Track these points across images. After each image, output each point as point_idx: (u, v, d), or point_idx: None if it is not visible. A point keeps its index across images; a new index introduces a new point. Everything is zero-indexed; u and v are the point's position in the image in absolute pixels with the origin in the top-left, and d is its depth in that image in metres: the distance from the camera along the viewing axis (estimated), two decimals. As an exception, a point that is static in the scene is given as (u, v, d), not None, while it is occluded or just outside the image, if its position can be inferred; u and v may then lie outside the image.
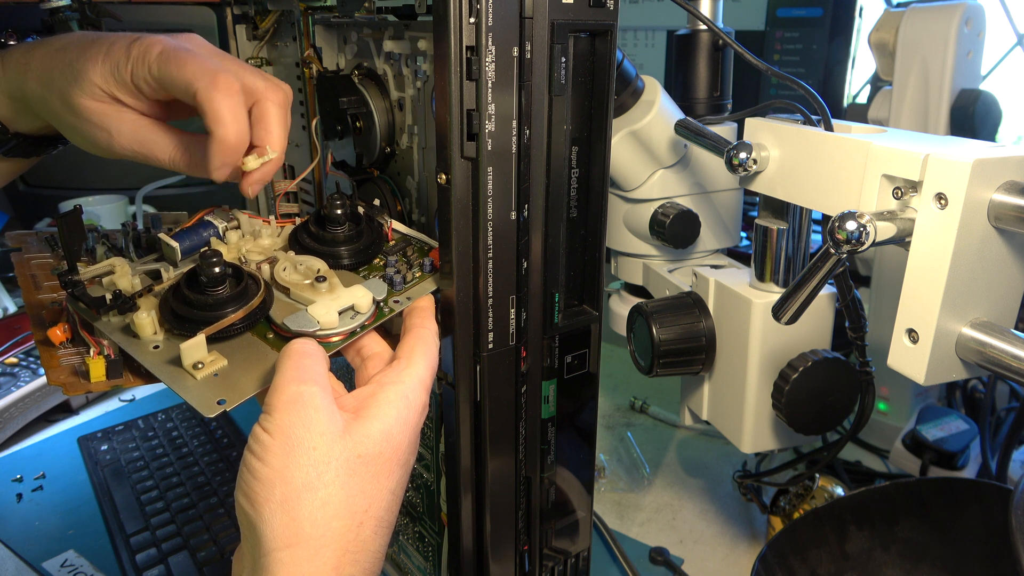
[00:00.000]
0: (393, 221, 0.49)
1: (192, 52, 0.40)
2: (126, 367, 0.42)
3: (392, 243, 0.48)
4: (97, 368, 0.40)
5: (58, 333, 0.43)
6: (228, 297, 0.40)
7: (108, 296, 0.42)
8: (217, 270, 0.40)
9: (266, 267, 0.45)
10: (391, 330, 0.46)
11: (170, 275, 0.46)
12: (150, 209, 1.22)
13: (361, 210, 0.48)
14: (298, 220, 0.50)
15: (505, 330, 0.42)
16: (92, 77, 0.40)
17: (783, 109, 0.48)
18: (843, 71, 1.02)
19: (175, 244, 0.47)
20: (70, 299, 0.43)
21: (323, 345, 0.40)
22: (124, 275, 0.44)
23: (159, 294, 0.44)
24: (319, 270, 0.43)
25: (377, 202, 0.53)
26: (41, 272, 0.51)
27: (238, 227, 0.49)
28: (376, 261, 0.46)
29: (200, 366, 0.38)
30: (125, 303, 0.41)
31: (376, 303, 0.42)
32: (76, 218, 0.43)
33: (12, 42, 0.50)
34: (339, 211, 0.45)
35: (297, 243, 0.46)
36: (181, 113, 0.45)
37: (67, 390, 0.40)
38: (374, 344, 0.43)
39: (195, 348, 0.38)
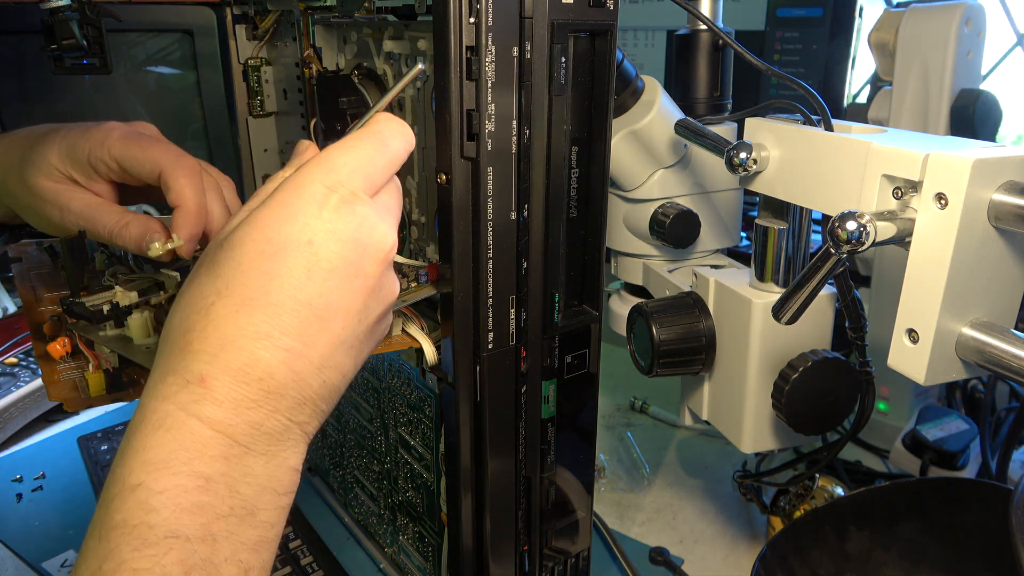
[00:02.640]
0: None
1: (152, 137, 0.45)
2: (126, 380, 0.42)
3: None
4: (97, 382, 0.40)
5: (58, 348, 0.43)
6: None
7: (105, 309, 0.42)
8: None
9: None
10: (387, 330, 0.46)
11: (168, 291, 0.46)
12: (151, 210, 1.22)
13: None
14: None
15: (505, 330, 0.42)
16: (49, 158, 0.44)
17: (783, 109, 0.48)
18: (843, 71, 1.02)
19: (176, 275, 0.47)
20: (68, 315, 0.43)
21: None
22: (125, 297, 0.44)
23: (156, 306, 0.44)
24: None
25: None
26: (41, 284, 0.52)
27: None
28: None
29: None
30: (121, 315, 0.42)
31: None
32: (80, 243, 0.44)
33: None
34: None
35: None
36: (130, 199, 0.49)
37: (68, 406, 0.40)
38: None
39: None
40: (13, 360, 0.92)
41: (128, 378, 0.42)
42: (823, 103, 0.44)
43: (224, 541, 0.28)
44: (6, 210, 0.48)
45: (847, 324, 0.50)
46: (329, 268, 0.31)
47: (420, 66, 0.36)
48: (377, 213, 0.33)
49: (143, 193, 0.49)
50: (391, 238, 0.33)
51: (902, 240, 0.37)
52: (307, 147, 0.36)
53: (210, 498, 0.28)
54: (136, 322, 0.41)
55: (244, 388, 0.29)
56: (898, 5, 0.71)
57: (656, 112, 0.56)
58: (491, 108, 0.38)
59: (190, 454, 0.28)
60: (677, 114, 0.57)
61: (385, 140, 0.34)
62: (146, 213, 0.51)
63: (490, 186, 0.39)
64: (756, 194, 0.50)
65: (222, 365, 0.29)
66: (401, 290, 0.44)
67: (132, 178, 0.45)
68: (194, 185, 0.44)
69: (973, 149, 0.35)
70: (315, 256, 0.31)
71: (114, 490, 0.27)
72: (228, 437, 0.29)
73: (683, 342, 0.54)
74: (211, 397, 0.28)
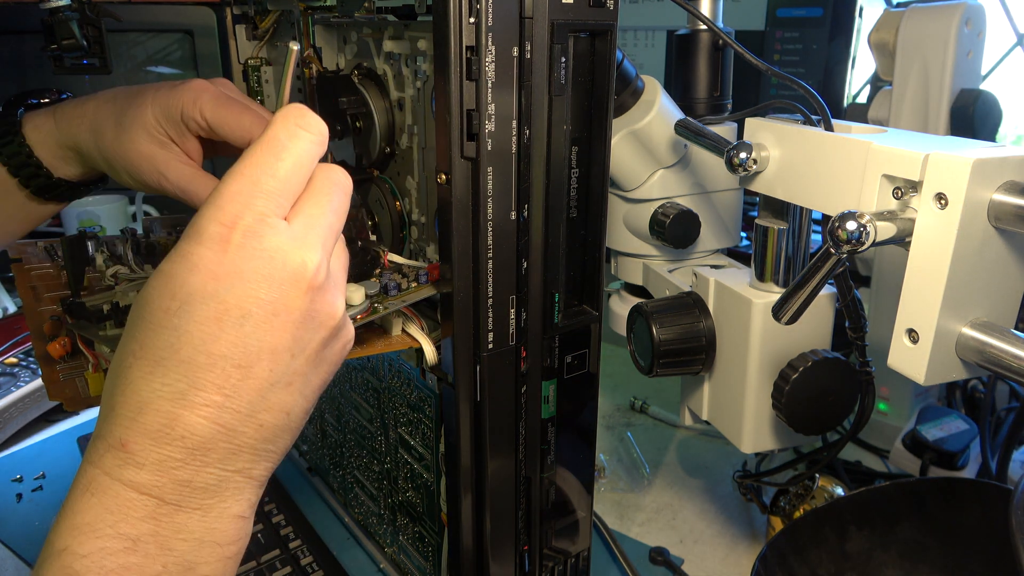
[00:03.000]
0: (389, 252, 0.49)
1: (239, 101, 0.46)
2: None
3: (388, 268, 0.48)
4: (96, 382, 0.40)
5: (58, 347, 0.43)
6: None
7: (105, 308, 0.42)
8: None
9: None
10: (388, 329, 0.46)
11: None
12: (151, 210, 1.22)
13: (359, 243, 0.48)
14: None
15: (505, 330, 0.42)
16: (146, 118, 0.45)
17: (783, 109, 0.48)
18: (843, 71, 1.02)
19: None
20: (68, 315, 0.43)
21: None
22: (125, 297, 0.44)
23: None
24: None
25: (374, 237, 0.54)
26: (41, 284, 0.52)
27: None
28: (372, 280, 0.46)
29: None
30: (121, 315, 0.42)
31: (368, 297, 0.43)
32: (81, 243, 0.45)
33: (65, 96, 0.55)
34: None
35: None
36: (213, 151, 0.50)
37: (68, 405, 0.40)
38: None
39: None
40: (13, 360, 0.92)
41: None
42: (823, 103, 0.44)
43: None
44: (86, 169, 0.49)
45: (847, 324, 0.50)
46: (240, 315, 0.29)
47: (295, 46, 0.35)
48: (292, 236, 0.30)
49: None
50: (312, 261, 0.30)
51: (902, 240, 0.37)
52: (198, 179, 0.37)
53: (138, 559, 0.27)
54: None
55: (166, 449, 0.28)
56: (898, 5, 0.71)
57: (656, 112, 0.56)
58: (491, 108, 0.38)
59: (115, 517, 0.27)
60: (677, 114, 0.57)
61: (281, 143, 0.31)
62: (147, 214, 0.52)
63: (490, 186, 0.39)
64: (756, 194, 0.50)
65: (140, 429, 0.28)
66: (401, 290, 0.44)
67: (221, 138, 0.46)
68: None
69: (973, 149, 0.35)
70: (223, 305, 0.29)
71: (43, 554, 0.27)
72: (155, 498, 0.28)
73: (683, 342, 0.54)
74: (133, 461, 0.28)
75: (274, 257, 0.29)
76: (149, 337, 0.29)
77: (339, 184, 0.33)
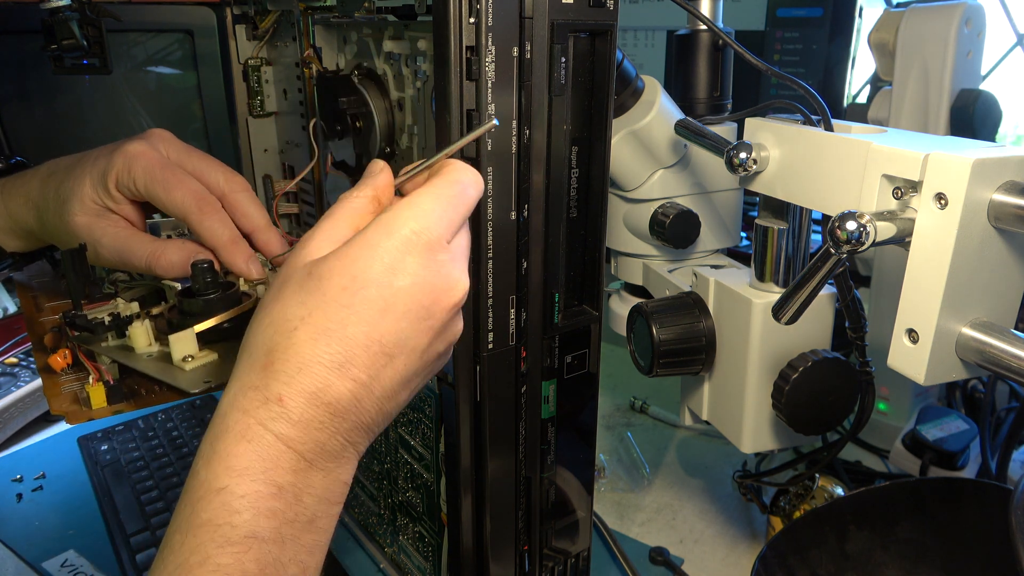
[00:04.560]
0: None
1: (172, 172, 0.47)
2: (127, 391, 0.42)
3: None
4: (98, 395, 0.40)
5: (59, 360, 0.43)
6: (219, 299, 0.41)
7: (107, 320, 0.42)
8: (208, 273, 0.41)
9: (260, 288, 0.46)
10: None
11: (169, 302, 0.46)
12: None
13: None
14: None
15: (505, 330, 0.42)
16: (84, 189, 0.46)
17: (783, 109, 0.48)
18: (843, 71, 1.01)
19: (176, 285, 0.47)
20: (70, 328, 0.43)
21: None
22: (126, 308, 0.45)
23: (157, 316, 0.44)
24: None
25: None
26: (42, 293, 0.52)
27: None
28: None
29: (190, 359, 0.39)
30: (123, 325, 0.42)
31: None
32: (81, 254, 0.45)
33: (15, 161, 0.56)
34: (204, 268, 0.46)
35: None
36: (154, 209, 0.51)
37: (70, 419, 0.41)
38: None
39: (185, 340, 0.38)
40: (13, 360, 0.92)
41: (128, 389, 0.42)
42: (823, 103, 0.44)
43: (290, 543, 0.31)
44: (34, 242, 0.51)
45: (847, 324, 0.50)
46: (404, 311, 0.33)
47: (494, 121, 0.37)
48: (453, 259, 0.35)
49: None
50: (463, 284, 0.35)
51: (902, 240, 0.37)
52: (381, 168, 0.37)
53: (282, 505, 0.31)
54: (138, 331, 0.41)
55: (314, 410, 0.31)
56: (898, 5, 0.71)
57: (656, 112, 0.56)
58: (491, 108, 0.38)
59: (267, 464, 0.31)
60: (677, 114, 0.57)
61: (465, 189, 0.36)
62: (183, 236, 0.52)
63: (490, 186, 0.39)
64: (756, 194, 0.50)
65: (298, 387, 0.31)
66: None
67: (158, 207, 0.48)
68: (222, 223, 0.47)
69: (973, 149, 0.35)
70: (393, 298, 0.33)
71: (200, 491, 0.30)
72: (297, 453, 0.31)
73: (683, 342, 0.54)
74: (287, 416, 0.31)
75: (440, 271, 0.34)
76: (321, 307, 0.32)
77: (469, 233, 0.38)
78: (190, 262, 0.45)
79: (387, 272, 0.33)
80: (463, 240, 0.37)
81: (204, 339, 0.40)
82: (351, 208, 0.36)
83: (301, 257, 0.34)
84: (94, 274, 0.51)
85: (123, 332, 0.42)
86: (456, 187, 0.35)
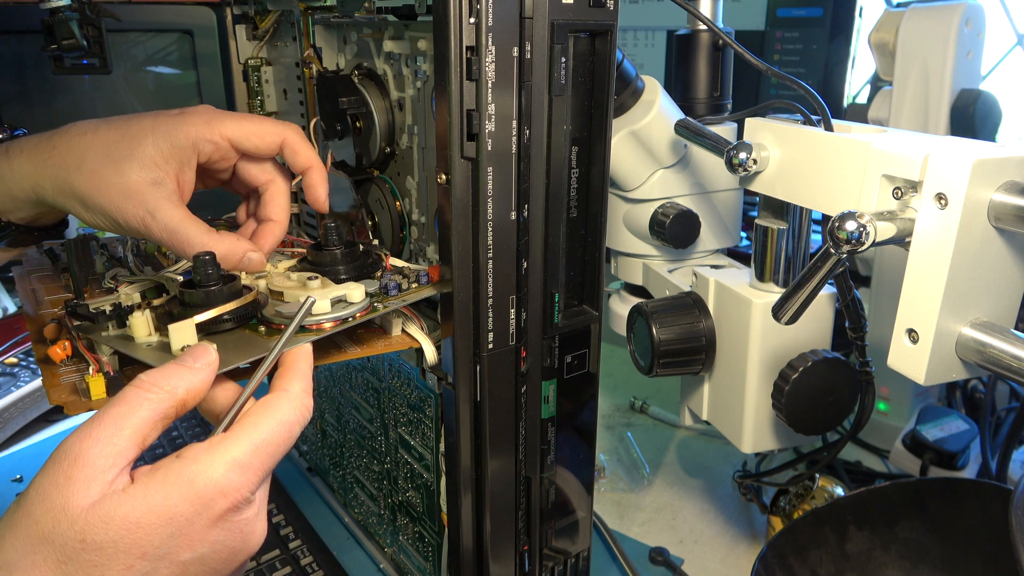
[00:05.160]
0: (391, 255, 0.49)
1: (249, 114, 0.48)
2: (126, 382, 0.42)
3: (389, 271, 0.48)
4: (97, 386, 0.40)
5: (58, 351, 0.43)
6: (219, 291, 0.41)
7: (108, 309, 0.42)
8: (209, 265, 0.41)
9: (262, 282, 0.46)
10: (389, 329, 0.46)
11: (171, 293, 0.46)
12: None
13: (361, 247, 0.48)
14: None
15: (505, 330, 0.42)
16: (143, 151, 0.42)
17: (783, 109, 0.48)
18: (843, 71, 1.02)
19: (178, 278, 0.47)
20: (71, 317, 0.43)
21: (314, 332, 0.40)
22: (128, 298, 0.44)
23: (158, 307, 0.44)
24: (311, 275, 0.44)
25: (377, 241, 0.54)
26: (42, 286, 0.52)
27: None
28: (372, 280, 0.46)
29: (187, 349, 0.38)
30: (124, 315, 0.42)
31: (368, 295, 0.43)
32: (85, 246, 0.45)
33: (19, 132, 0.51)
34: (332, 227, 0.46)
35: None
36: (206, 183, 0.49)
37: (69, 409, 0.40)
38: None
39: (183, 330, 0.38)
40: (13, 360, 0.92)
41: (128, 381, 0.42)
42: (823, 103, 0.44)
43: None
44: (38, 212, 0.46)
45: (847, 324, 0.50)
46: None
47: (311, 299, 0.38)
48: (257, 513, 0.35)
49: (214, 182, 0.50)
50: (261, 538, 0.35)
51: (902, 240, 0.37)
52: (206, 362, 0.36)
53: None
54: (138, 321, 0.41)
55: None
56: (898, 5, 0.71)
57: (656, 112, 0.56)
58: (491, 108, 0.38)
59: None
60: (677, 114, 0.57)
61: (291, 428, 0.35)
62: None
63: (490, 186, 0.39)
64: (756, 194, 0.50)
65: None
66: (401, 290, 0.44)
67: (243, 151, 0.46)
68: (311, 149, 0.47)
69: (973, 149, 0.35)
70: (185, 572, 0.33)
71: None
72: None
73: (683, 342, 0.54)
74: None
75: (243, 531, 0.34)
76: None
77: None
78: (244, 256, 0.44)
79: (185, 549, 0.32)
80: (267, 483, 0.36)
81: (205, 331, 0.40)
82: (148, 407, 0.33)
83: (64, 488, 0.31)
84: (95, 268, 0.51)
85: (124, 322, 0.42)
86: (281, 429, 0.34)
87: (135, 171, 0.42)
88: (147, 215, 0.42)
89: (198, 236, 0.43)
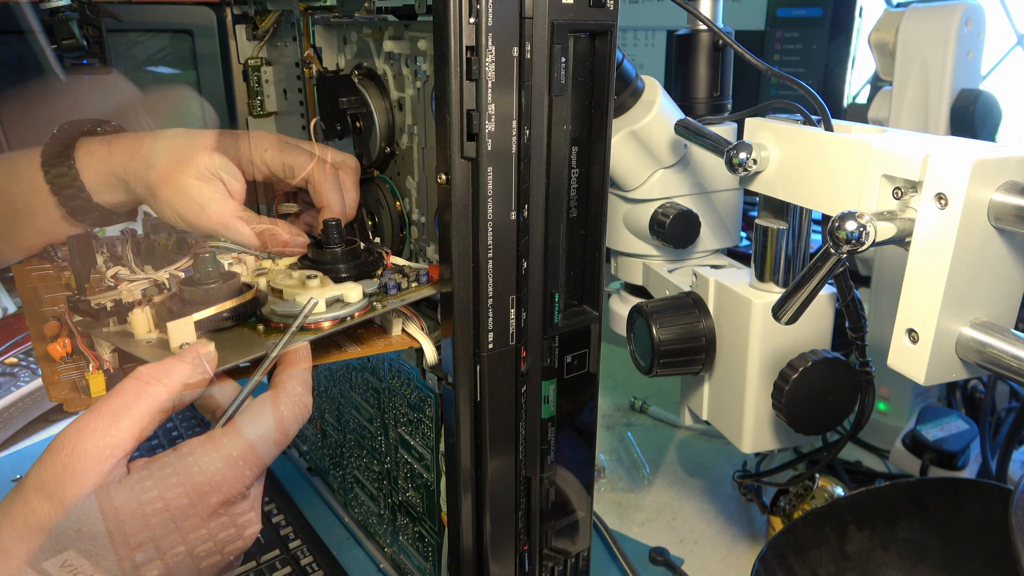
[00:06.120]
0: (391, 254, 0.49)
1: (296, 146, 0.52)
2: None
3: (390, 269, 0.48)
4: (97, 383, 0.40)
5: (58, 348, 0.43)
6: (218, 288, 0.41)
7: (109, 305, 0.42)
8: (210, 263, 0.41)
9: (262, 280, 0.46)
10: (388, 329, 0.46)
11: (171, 290, 0.46)
12: (151, 211, 1.21)
13: (362, 245, 0.48)
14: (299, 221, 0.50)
15: (505, 330, 0.42)
16: (199, 158, 0.49)
17: (783, 109, 0.48)
18: (843, 71, 1.02)
19: (180, 274, 0.48)
20: (72, 312, 0.44)
21: (312, 331, 0.40)
22: (130, 295, 0.45)
23: (159, 304, 0.44)
24: (311, 273, 0.44)
25: (378, 240, 0.55)
26: (42, 284, 0.52)
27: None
28: (372, 279, 0.46)
29: (186, 347, 0.38)
30: (124, 312, 0.42)
31: (367, 296, 0.43)
32: (87, 242, 0.45)
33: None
34: (332, 226, 0.46)
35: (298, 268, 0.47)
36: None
37: (68, 406, 0.40)
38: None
39: (182, 328, 0.38)
40: (13, 360, 0.92)
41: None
42: (823, 103, 0.44)
43: None
44: (122, 199, 0.52)
45: (847, 324, 0.50)
46: None
47: (313, 301, 0.40)
48: (252, 505, 0.37)
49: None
50: (256, 529, 0.38)
51: (902, 240, 0.37)
52: (205, 357, 0.38)
53: None
54: (138, 317, 0.41)
55: None
56: (898, 5, 0.71)
57: (656, 112, 0.56)
58: (491, 108, 0.38)
59: None
60: (677, 114, 0.57)
61: (287, 426, 0.37)
62: (146, 215, 0.53)
63: (490, 186, 0.39)
64: (756, 194, 0.50)
65: None
66: (401, 290, 0.44)
67: (272, 179, 0.52)
68: (335, 188, 0.51)
69: (973, 149, 0.35)
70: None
71: None
72: None
73: (683, 342, 0.54)
74: None
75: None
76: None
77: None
78: (295, 242, 0.49)
79: (180, 541, 0.33)
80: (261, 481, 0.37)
81: (204, 328, 0.40)
82: (146, 400, 0.34)
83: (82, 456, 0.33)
84: (96, 266, 0.51)
85: (125, 318, 0.42)
86: (277, 426, 0.36)
87: (191, 173, 0.48)
88: (200, 208, 0.48)
89: (247, 228, 0.49)
